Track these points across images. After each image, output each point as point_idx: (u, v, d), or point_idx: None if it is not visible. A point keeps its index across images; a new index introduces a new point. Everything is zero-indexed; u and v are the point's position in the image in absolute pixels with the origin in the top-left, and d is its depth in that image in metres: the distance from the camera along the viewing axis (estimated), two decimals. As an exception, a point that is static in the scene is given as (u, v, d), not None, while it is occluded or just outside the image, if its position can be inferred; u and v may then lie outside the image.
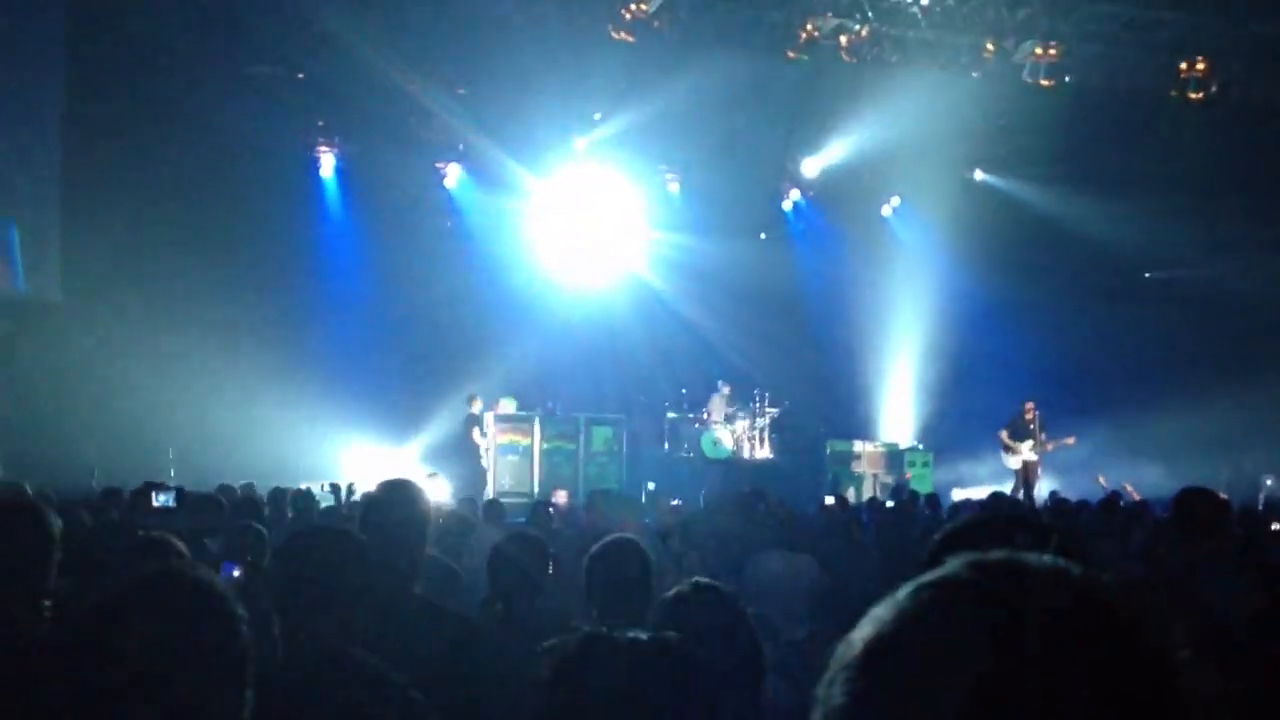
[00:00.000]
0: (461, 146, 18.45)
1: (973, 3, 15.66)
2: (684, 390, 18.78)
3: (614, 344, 18.77)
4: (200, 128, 16.16)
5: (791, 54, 15.60)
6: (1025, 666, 0.79)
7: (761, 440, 18.67)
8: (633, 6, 14.91)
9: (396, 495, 4.18)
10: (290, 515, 9.10)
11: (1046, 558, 0.86)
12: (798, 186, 20.43)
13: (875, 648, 0.84)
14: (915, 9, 15.51)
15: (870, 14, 15.44)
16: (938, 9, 15.65)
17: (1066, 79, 16.45)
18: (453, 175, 18.83)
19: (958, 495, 15.73)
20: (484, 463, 16.72)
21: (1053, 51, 16.25)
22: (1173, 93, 16.99)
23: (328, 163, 18.35)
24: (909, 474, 17.90)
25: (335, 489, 11.68)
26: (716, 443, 18.12)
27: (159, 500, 6.97)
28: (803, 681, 3.96)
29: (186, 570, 2.02)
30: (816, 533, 8.33)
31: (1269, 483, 17.63)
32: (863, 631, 0.85)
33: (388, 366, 17.49)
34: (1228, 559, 5.50)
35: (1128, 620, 0.83)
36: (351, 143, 18.25)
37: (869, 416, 20.14)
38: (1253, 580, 5.01)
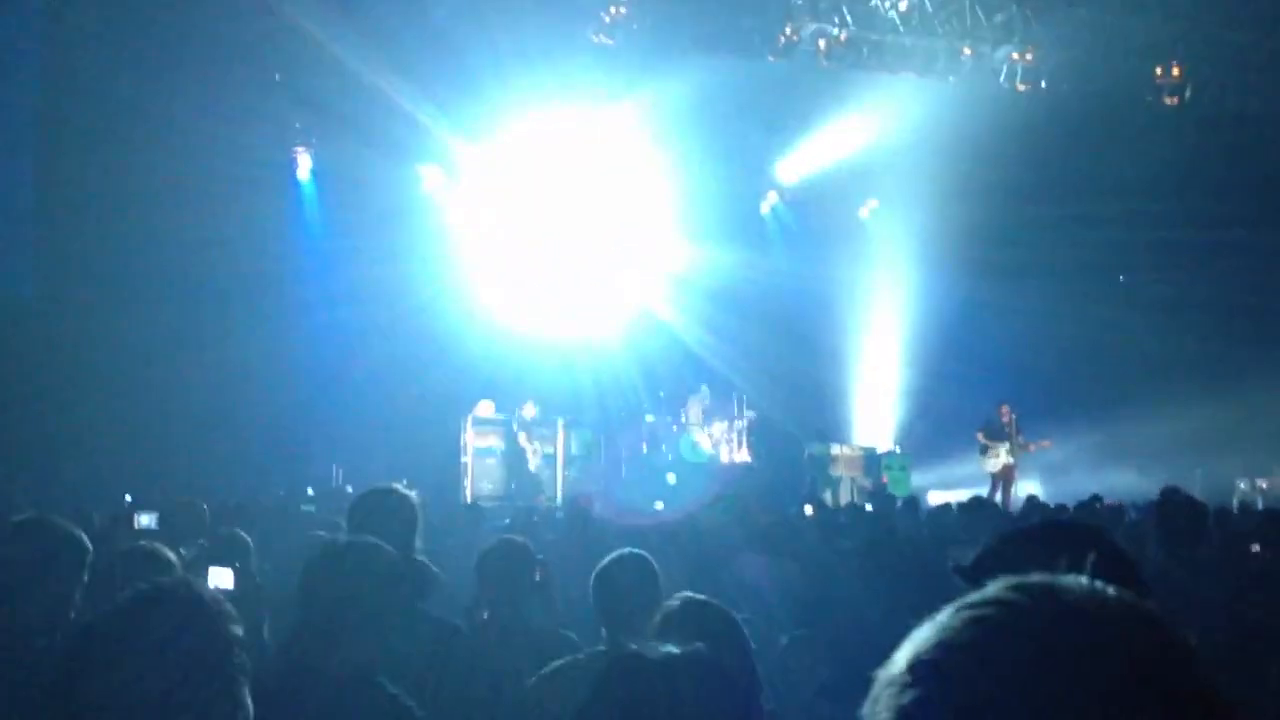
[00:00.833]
0: (439, 150, 18.41)
1: (951, 7, 15.75)
2: (662, 394, 18.79)
3: (592, 347, 18.75)
4: (176, 128, 16.03)
5: (771, 58, 15.62)
6: (1063, 694, 0.79)
7: (740, 443, 18.69)
8: (612, 10, 14.89)
9: (380, 501, 4.16)
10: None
11: (1085, 582, 0.87)
12: (776, 190, 20.48)
13: (916, 668, 0.85)
14: (894, 14, 15.59)
15: (849, 18, 15.50)
16: (915, 14, 15.74)
17: (1043, 84, 16.55)
18: (431, 178, 18.78)
19: (935, 498, 15.77)
20: (531, 468, 16.77)
21: (1029, 56, 16.35)
22: (1148, 97, 17.11)
23: (304, 165, 18.26)
24: (886, 477, 17.95)
25: (318, 494, 11.64)
26: (695, 446, 18.13)
27: (141, 522, 6.89)
28: (784, 689, 3.96)
29: (180, 587, 1.99)
30: (796, 537, 8.32)
31: (1241, 485, 17.77)
32: (905, 651, 0.87)
33: (364, 369, 17.38)
34: (1209, 562, 5.55)
35: (1167, 649, 0.83)
36: (328, 145, 18.18)
37: (846, 419, 20.20)
38: (1235, 583, 5.06)
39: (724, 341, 19.14)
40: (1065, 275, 19.61)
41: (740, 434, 18.68)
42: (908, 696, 0.84)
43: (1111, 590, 0.86)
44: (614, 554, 3.83)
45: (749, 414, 18.72)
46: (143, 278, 15.82)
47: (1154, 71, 16.97)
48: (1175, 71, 16.85)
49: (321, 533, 5.98)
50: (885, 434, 19.93)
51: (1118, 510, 9.52)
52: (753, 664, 2.77)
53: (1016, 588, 0.87)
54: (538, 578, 4.50)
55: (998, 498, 16.11)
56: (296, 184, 18.30)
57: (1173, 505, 5.54)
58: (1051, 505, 10.85)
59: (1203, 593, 4.76)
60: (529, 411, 17.02)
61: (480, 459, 17.06)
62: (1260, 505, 15.77)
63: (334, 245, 17.98)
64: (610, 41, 15.12)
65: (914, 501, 12.66)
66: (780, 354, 19.23)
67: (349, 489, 13.05)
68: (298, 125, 17.95)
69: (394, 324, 17.42)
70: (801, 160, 19.69)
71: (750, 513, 8.14)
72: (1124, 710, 0.79)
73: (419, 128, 17.79)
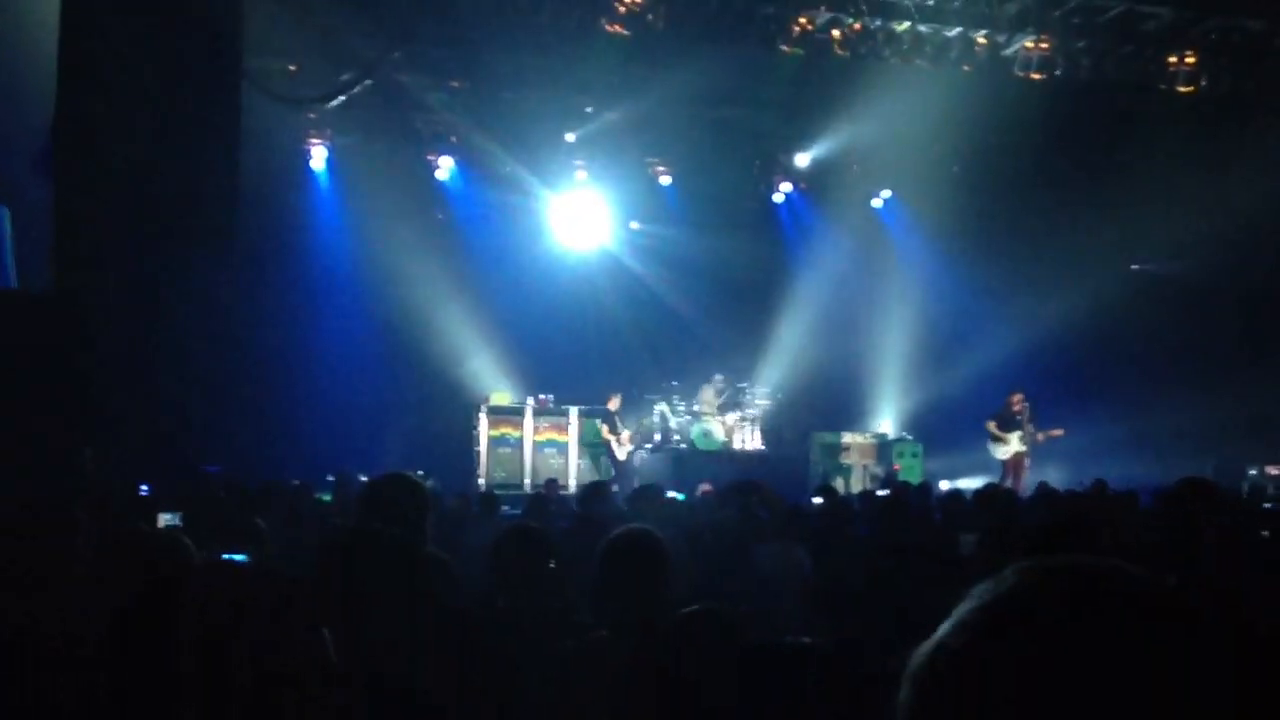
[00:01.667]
0: (453, 139, 18.44)
1: (964, -4, 15.71)
2: (675, 382, 18.83)
3: (605, 336, 18.79)
4: (192, 119, 16.03)
5: (785, 48, 15.59)
6: (1086, 676, 0.80)
7: (753, 432, 18.73)
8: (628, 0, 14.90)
9: (391, 488, 4.18)
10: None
11: (1108, 562, 0.87)
12: (789, 179, 20.46)
13: (937, 653, 0.87)
14: (908, 3, 15.54)
15: (864, 7, 15.46)
16: (930, 3, 15.69)
17: (1056, 72, 16.48)
18: (444, 168, 18.82)
19: (946, 486, 15.79)
20: (620, 456, 16.96)
21: (1044, 45, 16.29)
22: (1161, 86, 17.03)
23: (319, 155, 18.31)
24: (898, 465, 17.98)
25: (335, 482, 11.68)
26: (708, 434, 18.17)
27: (164, 520, 6.98)
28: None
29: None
30: (810, 524, 8.37)
31: (1252, 472, 17.77)
32: (932, 638, 0.88)
33: (376, 358, 17.45)
34: (1228, 547, 5.56)
35: (1194, 628, 0.83)
36: (343, 135, 18.22)
37: (858, 407, 20.21)
38: (1250, 568, 5.08)
39: (736, 330, 19.17)
40: (1078, 264, 19.56)
41: (753, 422, 18.73)
42: (924, 682, 0.86)
43: (1132, 570, 0.86)
44: (620, 530, 3.89)
45: (761, 402, 18.76)
46: (157, 268, 15.85)
47: (1168, 59, 16.88)
48: (1190, 59, 16.76)
49: (337, 521, 6.04)
50: (897, 421, 19.94)
51: (1129, 496, 9.53)
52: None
53: (1035, 570, 0.87)
54: (552, 565, 4.53)
55: (1009, 486, 16.11)
56: (312, 175, 18.34)
57: (1190, 490, 5.53)
58: (1062, 491, 10.85)
59: (1222, 576, 4.77)
60: (613, 404, 17.16)
61: (495, 448, 17.12)
62: (1271, 491, 15.87)
63: (348, 235, 18.05)
64: (625, 31, 15.10)
65: (926, 488, 12.71)
66: (792, 342, 19.25)
67: (362, 478, 13.11)
68: (312, 116, 17.97)
69: (407, 314, 17.48)
70: (815, 149, 19.67)
71: (768, 501, 8.16)
72: (1140, 691, 0.80)
73: (433, 117, 17.84)
